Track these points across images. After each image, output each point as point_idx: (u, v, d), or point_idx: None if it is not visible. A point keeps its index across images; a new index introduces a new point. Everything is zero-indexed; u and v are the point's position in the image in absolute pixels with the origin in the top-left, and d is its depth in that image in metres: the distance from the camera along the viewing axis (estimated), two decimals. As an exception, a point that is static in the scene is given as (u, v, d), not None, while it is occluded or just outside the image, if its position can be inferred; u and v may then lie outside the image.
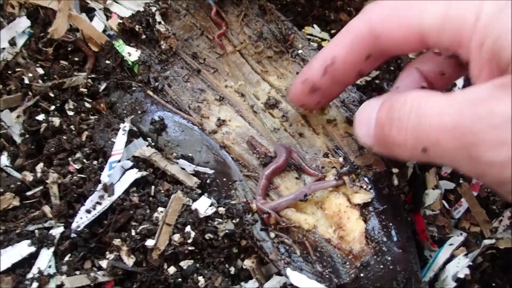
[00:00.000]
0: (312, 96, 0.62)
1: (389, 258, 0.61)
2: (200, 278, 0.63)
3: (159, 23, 0.76)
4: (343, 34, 0.56)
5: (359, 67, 0.56)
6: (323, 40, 1.05)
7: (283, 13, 1.08)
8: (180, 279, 0.63)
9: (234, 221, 0.63)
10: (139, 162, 0.67)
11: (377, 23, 0.51)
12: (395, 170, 0.68)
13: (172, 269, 0.63)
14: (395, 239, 0.62)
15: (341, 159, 0.68)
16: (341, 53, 0.56)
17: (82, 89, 0.72)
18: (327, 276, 0.60)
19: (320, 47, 1.02)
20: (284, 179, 0.68)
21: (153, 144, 0.69)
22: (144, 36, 0.75)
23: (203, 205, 0.64)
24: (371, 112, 0.51)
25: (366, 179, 0.66)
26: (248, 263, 0.65)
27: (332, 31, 1.07)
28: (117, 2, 0.84)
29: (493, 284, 0.76)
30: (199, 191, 0.66)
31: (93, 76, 0.75)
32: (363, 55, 0.55)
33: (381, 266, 0.60)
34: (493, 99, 0.38)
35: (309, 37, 1.05)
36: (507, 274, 0.77)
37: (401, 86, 0.59)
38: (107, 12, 0.84)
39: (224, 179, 0.66)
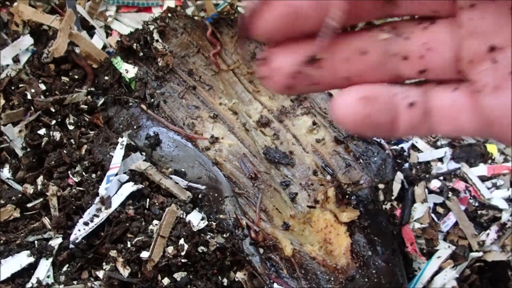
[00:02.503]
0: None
1: (374, 272, 0.63)
2: (193, 289, 0.65)
3: (157, 41, 0.79)
4: None
5: None
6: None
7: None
8: (173, 290, 0.65)
9: (224, 235, 0.65)
10: (135, 175, 0.69)
11: None
12: (381, 186, 0.71)
13: (166, 281, 0.65)
14: (380, 252, 0.65)
15: (328, 177, 0.71)
16: None
17: (82, 106, 0.75)
18: None
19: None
20: (272, 200, 0.70)
21: (147, 158, 0.71)
22: (141, 54, 0.78)
23: (196, 218, 0.66)
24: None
25: (353, 196, 0.68)
26: (240, 276, 0.67)
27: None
28: (117, 20, 0.87)
29: (481, 297, 0.78)
30: (191, 206, 0.68)
31: (91, 90, 0.78)
32: None
33: (366, 280, 0.62)
34: None
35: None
36: (495, 287, 0.79)
37: None
38: (108, 29, 0.87)
39: (216, 195, 0.69)
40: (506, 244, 0.79)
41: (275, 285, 0.63)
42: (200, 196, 0.69)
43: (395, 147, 0.84)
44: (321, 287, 0.62)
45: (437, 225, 0.78)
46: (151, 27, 0.80)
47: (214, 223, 0.67)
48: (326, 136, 0.78)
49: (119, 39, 0.79)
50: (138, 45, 0.78)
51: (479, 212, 0.81)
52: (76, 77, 0.77)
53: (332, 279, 0.62)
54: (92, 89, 0.78)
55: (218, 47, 0.85)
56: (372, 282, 0.62)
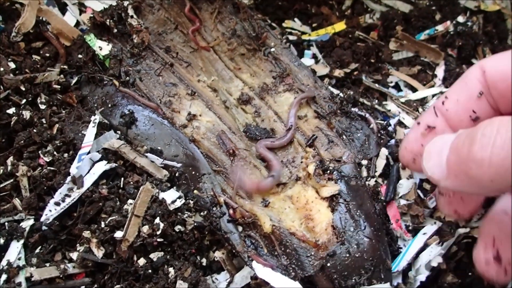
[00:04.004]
0: (427, 140, 0.55)
1: (356, 247, 0.61)
2: (171, 269, 0.63)
3: (131, 17, 0.77)
4: (456, 81, 0.56)
5: (471, 106, 0.54)
6: (304, 33, 1.05)
7: (264, 7, 1.09)
8: (150, 271, 0.63)
9: (202, 213, 0.63)
10: (108, 154, 0.67)
11: (486, 62, 0.52)
12: (364, 162, 0.69)
13: (142, 261, 0.63)
14: (362, 227, 0.63)
15: (310, 153, 0.69)
16: (453, 92, 0.55)
17: (55, 86, 0.72)
18: (291, 268, 0.60)
19: (299, 40, 1.03)
20: (251, 177, 0.68)
21: (122, 137, 0.69)
22: (116, 30, 0.76)
23: (171, 197, 0.64)
24: (444, 142, 0.48)
25: (335, 172, 0.66)
26: (218, 255, 0.65)
27: (314, 25, 1.07)
28: (91, -4, 0.84)
29: (469, 274, 0.76)
30: (169, 184, 0.66)
31: (64, 68, 0.75)
32: (475, 92, 0.53)
33: (347, 255, 0.60)
34: None
35: (289, 30, 1.06)
36: (483, 264, 0.77)
37: None
38: (82, 7, 0.84)
39: (193, 173, 0.67)
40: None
41: (254, 263, 0.61)
42: (177, 174, 0.67)
43: (380, 121, 0.82)
44: (301, 264, 0.60)
45: (423, 202, 0.76)
46: (126, 3, 0.77)
47: (191, 202, 0.65)
48: (308, 112, 0.76)
49: (92, 15, 0.76)
50: (112, 21, 0.76)
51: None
52: (48, 55, 0.74)
53: (312, 254, 0.60)
54: (65, 67, 0.75)
55: (197, 23, 0.82)
56: (354, 258, 0.60)
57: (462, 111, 0.54)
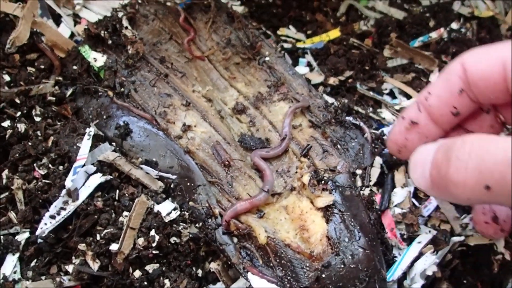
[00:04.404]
0: (411, 134, 0.60)
1: (351, 258, 0.61)
2: (166, 281, 0.64)
3: (126, 28, 0.77)
4: (438, 75, 0.58)
5: (452, 102, 0.56)
6: (299, 40, 1.05)
7: (259, 15, 1.09)
8: (145, 283, 0.63)
9: (197, 225, 0.63)
10: (103, 166, 0.67)
11: (467, 58, 0.54)
12: (358, 171, 0.69)
13: (137, 273, 0.63)
14: (357, 238, 0.63)
15: (305, 163, 0.69)
16: (435, 88, 0.57)
17: (50, 98, 0.72)
18: (286, 280, 0.60)
19: (294, 48, 1.03)
20: (246, 188, 0.68)
21: (117, 149, 0.69)
22: (110, 42, 0.76)
23: (167, 209, 0.64)
24: (427, 154, 0.50)
25: (329, 182, 0.67)
26: (214, 266, 0.66)
27: (308, 32, 1.08)
28: (86, 8, 0.84)
29: (464, 281, 0.76)
30: (164, 196, 0.66)
31: (59, 79, 0.75)
32: (456, 88, 0.55)
33: (342, 266, 0.60)
34: None
35: (284, 38, 1.06)
36: (478, 272, 0.77)
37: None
38: (77, 18, 0.84)
39: (188, 184, 0.67)
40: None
41: (249, 274, 0.61)
42: (172, 186, 0.67)
43: (375, 131, 0.82)
44: (296, 275, 0.60)
45: (418, 210, 0.76)
46: (120, 14, 0.78)
47: (187, 213, 0.65)
48: (303, 122, 0.77)
49: (86, 26, 0.76)
50: (106, 32, 0.76)
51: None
52: (42, 67, 0.74)
53: (307, 266, 0.61)
54: (60, 78, 0.75)
55: (191, 33, 0.83)
56: (348, 268, 0.61)
57: (444, 106, 0.56)
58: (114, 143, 0.70)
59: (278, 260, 0.61)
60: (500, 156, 0.41)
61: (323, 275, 0.60)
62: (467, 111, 0.56)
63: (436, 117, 0.57)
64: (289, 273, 0.61)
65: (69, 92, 0.75)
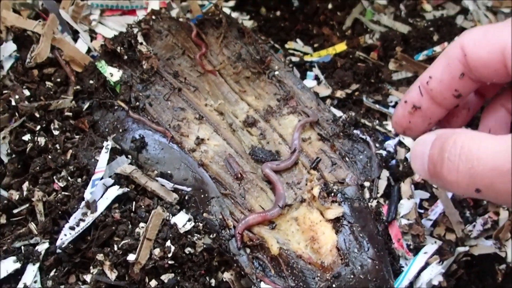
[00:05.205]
0: (414, 117, 0.61)
1: (360, 268, 0.63)
2: (181, 290, 0.66)
3: (141, 43, 0.79)
4: (439, 57, 0.58)
5: (454, 85, 0.57)
6: (306, 54, 1.08)
7: (267, 29, 1.12)
8: (161, 292, 0.65)
9: (211, 236, 0.66)
10: (120, 179, 0.69)
11: (467, 42, 0.54)
12: (366, 183, 0.71)
13: (153, 283, 0.65)
14: (366, 249, 0.65)
15: (315, 176, 0.71)
16: (436, 72, 0.57)
17: (67, 113, 0.75)
18: None
19: (302, 61, 1.06)
20: (258, 200, 0.70)
21: (133, 161, 0.71)
22: (126, 57, 0.79)
23: (182, 220, 0.66)
24: (424, 147, 0.51)
25: (339, 194, 0.69)
26: (227, 276, 0.68)
27: (315, 45, 1.11)
28: (102, 23, 0.87)
29: (469, 291, 0.78)
30: (178, 207, 0.68)
31: (76, 92, 0.78)
32: (457, 73, 0.55)
33: (352, 276, 0.63)
34: None
35: (292, 51, 1.09)
36: (482, 281, 0.79)
37: (487, 125, 0.60)
38: (93, 33, 0.87)
39: (202, 196, 0.69)
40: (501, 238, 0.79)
41: (262, 284, 0.63)
42: (186, 197, 0.70)
43: (381, 152, 0.85)
44: (307, 285, 0.62)
45: (425, 213, 0.79)
46: (135, 30, 0.80)
47: (201, 224, 0.67)
48: (312, 135, 0.79)
49: (103, 42, 0.79)
50: (122, 48, 0.78)
51: (464, 204, 0.82)
52: (59, 80, 0.77)
53: (318, 276, 0.63)
54: (78, 87, 0.77)
55: (203, 48, 0.85)
56: (358, 279, 0.63)
57: (446, 90, 0.57)
58: (130, 156, 0.73)
59: (290, 271, 0.64)
60: (490, 163, 0.42)
61: (334, 285, 0.62)
62: (469, 91, 0.57)
63: (438, 100, 0.58)
64: (300, 283, 0.63)
65: (86, 106, 0.78)
